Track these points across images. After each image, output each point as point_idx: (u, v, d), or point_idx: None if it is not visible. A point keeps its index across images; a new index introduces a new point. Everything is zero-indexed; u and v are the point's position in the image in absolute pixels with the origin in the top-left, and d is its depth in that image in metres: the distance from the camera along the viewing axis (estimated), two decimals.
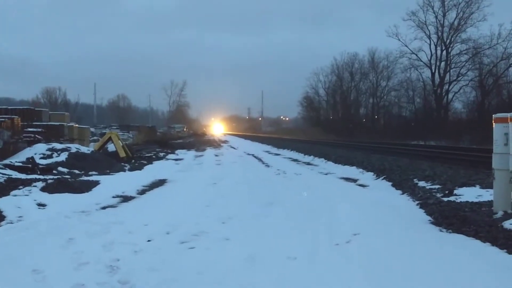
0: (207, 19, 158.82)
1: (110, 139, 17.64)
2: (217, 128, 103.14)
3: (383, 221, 5.80)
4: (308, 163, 17.08)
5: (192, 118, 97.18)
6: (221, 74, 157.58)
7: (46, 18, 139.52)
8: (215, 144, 38.45)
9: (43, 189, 8.21)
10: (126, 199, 8.30)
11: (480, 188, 7.48)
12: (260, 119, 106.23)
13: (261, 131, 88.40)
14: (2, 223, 5.92)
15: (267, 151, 26.78)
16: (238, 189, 9.52)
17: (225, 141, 45.85)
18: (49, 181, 8.94)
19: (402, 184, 9.13)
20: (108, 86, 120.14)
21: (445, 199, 7.01)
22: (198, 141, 42.07)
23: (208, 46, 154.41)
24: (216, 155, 22.97)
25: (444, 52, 43.76)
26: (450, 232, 5.16)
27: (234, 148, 32.12)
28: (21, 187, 8.26)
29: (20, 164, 11.00)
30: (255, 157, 21.47)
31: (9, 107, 22.65)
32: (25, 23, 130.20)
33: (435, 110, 43.56)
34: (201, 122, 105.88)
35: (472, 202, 6.48)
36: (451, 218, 5.67)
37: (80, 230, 5.55)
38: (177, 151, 24.90)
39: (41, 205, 7.11)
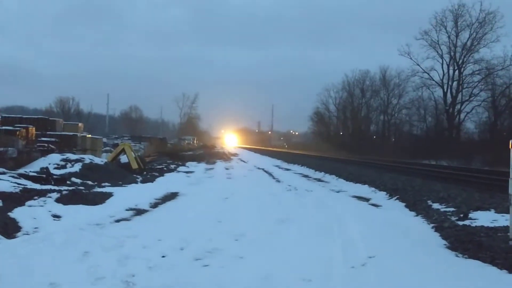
0: (217, 34, 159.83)
1: (123, 150, 17.78)
2: (229, 140, 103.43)
3: (398, 244, 5.75)
4: (319, 180, 17.02)
5: (202, 130, 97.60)
6: (232, 87, 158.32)
7: (58, 30, 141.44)
8: (225, 157, 38.52)
9: (57, 200, 8.30)
10: (139, 212, 8.34)
11: (495, 212, 7.42)
12: (270, 132, 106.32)
13: (271, 144, 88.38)
14: (19, 234, 5.99)
15: (277, 166, 26.76)
16: (249, 205, 9.53)
17: (235, 154, 45.93)
18: (64, 192, 9.03)
19: (416, 205, 9.06)
20: (121, 97, 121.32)
21: (460, 223, 6.95)
22: (208, 154, 42.16)
23: (219, 60, 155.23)
24: (227, 169, 23.02)
25: (457, 72, 43.54)
26: (466, 258, 5.10)
27: (244, 161, 32.15)
28: (36, 197, 8.34)
29: (35, 174, 11.13)
30: (265, 171, 21.47)
31: (24, 116, 22.98)
32: (37, 34, 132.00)
33: (447, 130, 43.21)
34: (211, 134, 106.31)
35: (487, 227, 6.41)
36: (467, 243, 5.61)
37: (95, 243, 5.59)
38: (187, 164, 25.00)
39: (56, 216, 7.19)
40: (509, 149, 5.59)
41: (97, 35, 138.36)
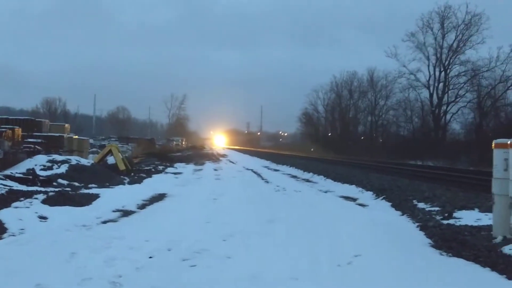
0: (205, 35, 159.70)
1: (110, 151, 17.66)
2: (218, 141, 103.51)
3: (384, 243, 5.84)
4: (308, 180, 17.13)
5: (191, 131, 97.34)
6: (221, 88, 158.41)
7: (46, 29, 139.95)
8: (214, 158, 38.46)
9: (44, 202, 8.23)
10: (126, 213, 8.31)
11: (479, 211, 7.55)
12: (259, 133, 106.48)
13: (260, 145, 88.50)
14: (4, 235, 5.94)
15: (266, 167, 26.82)
16: (238, 206, 9.55)
17: (224, 155, 45.87)
18: (50, 193, 8.97)
19: (402, 204, 9.17)
20: (108, 97, 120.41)
21: (445, 222, 7.06)
22: (197, 155, 42.08)
23: (208, 60, 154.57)
24: (215, 170, 23.01)
25: (443, 73, 44.08)
26: (450, 256, 5.18)
27: (233, 162, 32.14)
28: (22, 199, 8.27)
29: (21, 175, 11.03)
30: (254, 172, 21.52)
31: (10, 117, 22.71)
32: (25, 33, 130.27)
33: (433, 130, 43.73)
34: (199, 135, 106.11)
35: (471, 225, 6.53)
36: (451, 242, 5.71)
37: (82, 244, 5.57)
38: (176, 165, 24.93)
39: (42, 217, 7.14)
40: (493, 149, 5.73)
41: (84, 34, 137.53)
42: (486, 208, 7.40)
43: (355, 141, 54.74)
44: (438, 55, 44.02)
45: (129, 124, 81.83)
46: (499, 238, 5.47)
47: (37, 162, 12.94)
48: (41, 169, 12.42)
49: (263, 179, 17.60)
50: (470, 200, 8.57)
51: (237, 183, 15.63)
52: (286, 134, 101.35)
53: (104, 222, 7.34)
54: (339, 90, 61.79)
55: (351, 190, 12.70)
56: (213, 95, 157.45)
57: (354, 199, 10.95)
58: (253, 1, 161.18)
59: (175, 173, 19.29)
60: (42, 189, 9.76)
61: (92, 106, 74.31)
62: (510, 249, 4.95)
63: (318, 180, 16.67)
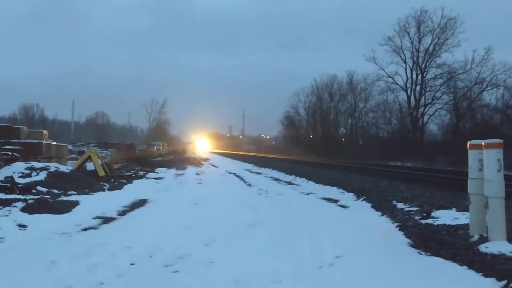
0: (186, 39, 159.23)
1: (89, 157, 17.41)
2: (200, 145, 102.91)
3: (364, 243, 5.94)
4: (290, 183, 17.23)
5: (173, 135, 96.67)
6: (202, 92, 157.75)
7: (23, 34, 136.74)
8: (196, 162, 38.29)
9: (23, 210, 8.08)
10: (107, 220, 8.22)
11: (456, 211, 7.73)
12: (241, 137, 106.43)
13: (242, 149, 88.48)
14: None
15: (248, 170, 26.85)
16: (220, 210, 9.55)
17: (206, 159, 45.71)
18: (29, 201, 8.81)
19: (382, 205, 9.33)
20: (87, 103, 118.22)
21: (423, 221, 7.21)
22: (179, 159, 41.80)
23: (189, 65, 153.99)
24: (197, 174, 22.92)
25: (420, 76, 45.11)
26: (428, 255, 5.30)
27: (215, 166, 32.07)
28: (0, 207, 8.12)
29: None
30: (236, 176, 21.52)
31: None
32: (0, 38, 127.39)
33: (411, 132, 44.59)
34: (181, 139, 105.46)
35: (449, 225, 6.68)
36: (429, 241, 5.84)
37: (62, 252, 5.50)
38: (157, 170, 24.69)
39: (21, 226, 7.02)
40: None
41: (62, 39, 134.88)
42: (463, 207, 7.58)
43: (336, 143, 55.28)
44: (415, 58, 45.08)
45: (109, 129, 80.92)
46: (475, 237, 5.61)
47: (15, 169, 12.68)
48: (20, 177, 12.17)
49: (245, 182, 17.63)
50: (447, 200, 8.77)
51: (219, 187, 15.63)
52: (268, 137, 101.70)
53: (85, 229, 7.25)
54: (319, 93, 62.54)
55: (333, 191, 12.84)
56: (194, 99, 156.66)
57: (335, 201, 11.07)
58: (234, 5, 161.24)
59: (156, 178, 19.13)
60: (21, 197, 9.60)
61: (70, 112, 73.17)
62: (486, 248, 5.08)
63: (300, 182, 16.79)
